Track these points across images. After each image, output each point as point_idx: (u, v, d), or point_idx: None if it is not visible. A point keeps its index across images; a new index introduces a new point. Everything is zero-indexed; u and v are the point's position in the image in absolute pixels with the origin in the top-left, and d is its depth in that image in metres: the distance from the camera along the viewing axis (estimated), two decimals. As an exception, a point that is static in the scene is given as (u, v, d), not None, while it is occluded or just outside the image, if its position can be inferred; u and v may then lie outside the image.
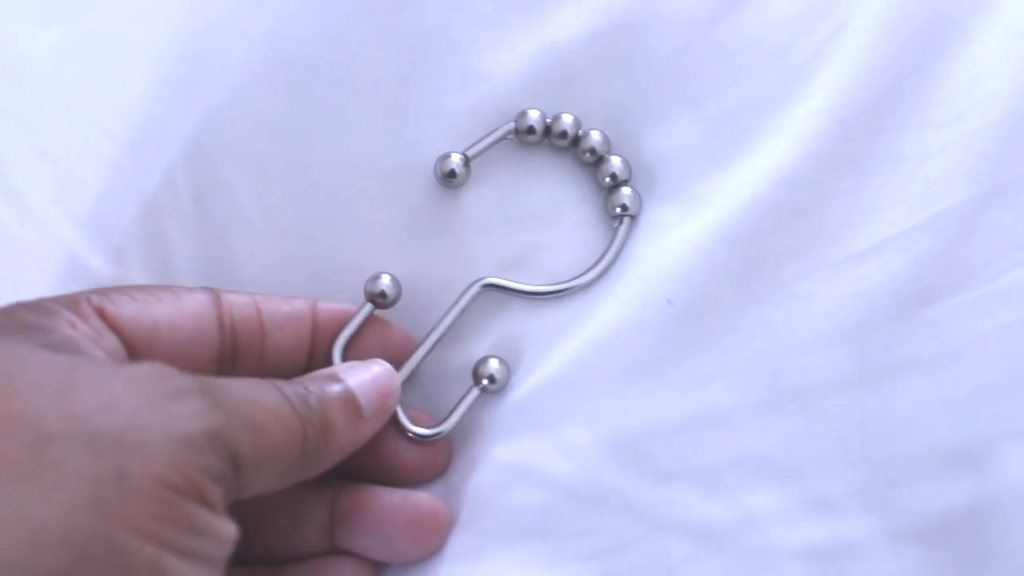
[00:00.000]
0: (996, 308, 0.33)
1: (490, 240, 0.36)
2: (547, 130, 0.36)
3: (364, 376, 0.31)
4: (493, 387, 0.34)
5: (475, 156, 0.36)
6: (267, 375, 0.29)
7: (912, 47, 0.35)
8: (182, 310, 0.31)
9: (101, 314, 0.29)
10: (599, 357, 0.34)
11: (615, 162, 0.36)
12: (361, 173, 0.36)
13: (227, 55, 0.36)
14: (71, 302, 0.29)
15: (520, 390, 0.34)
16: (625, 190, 0.36)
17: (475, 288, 0.35)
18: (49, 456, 0.24)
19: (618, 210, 0.35)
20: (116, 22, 0.37)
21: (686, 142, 0.36)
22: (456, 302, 0.35)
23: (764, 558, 0.32)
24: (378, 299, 0.34)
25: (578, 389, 0.34)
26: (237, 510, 0.27)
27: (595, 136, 0.36)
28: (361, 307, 0.34)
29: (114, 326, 0.30)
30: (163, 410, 0.25)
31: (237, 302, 0.32)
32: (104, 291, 0.30)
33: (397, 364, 0.33)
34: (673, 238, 0.34)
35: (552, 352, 0.34)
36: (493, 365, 0.34)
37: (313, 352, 0.34)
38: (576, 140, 0.36)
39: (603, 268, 0.35)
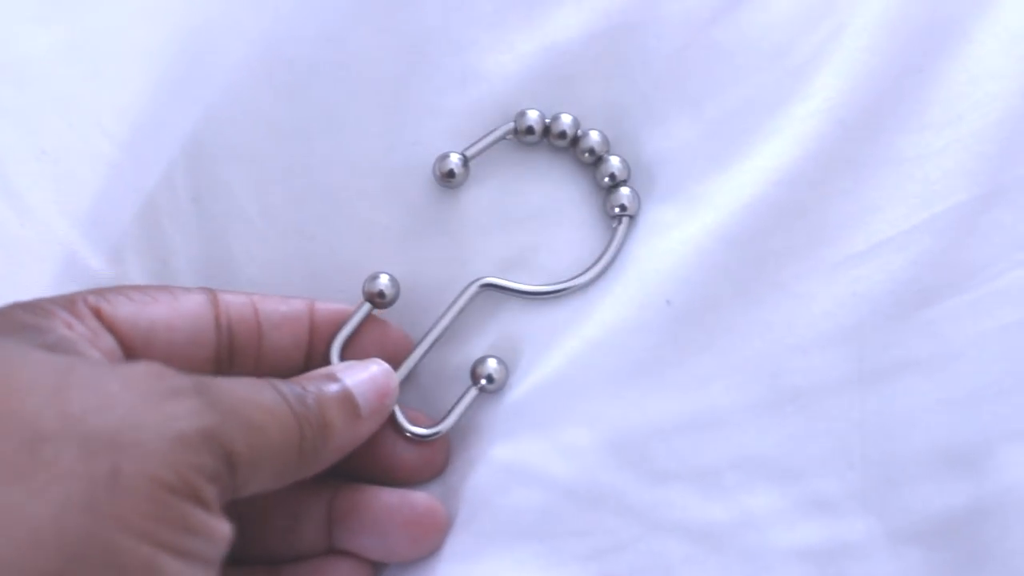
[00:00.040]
0: (996, 308, 0.33)
1: (489, 240, 0.36)
2: (546, 130, 0.36)
3: (362, 376, 0.31)
4: (491, 387, 0.34)
5: (474, 156, 0.36)
6: (264, 375, 0.29)
7: (912, 47, 0.35)
8: (179, 310, 0.31)
9: (97, 314, 0.29)
10: (598, 357, 0.34)
11: (614, 162, 0.36)
12: (360, 173, 0.36)
13: (226, 55, 0.36)
14: (67, 302, 0.29)
15: (518, 390, 0.34)
16: (624, 190, 0.36)
17: (473, 288, 0.35)
18: (44, 455, 0.24)
19: (617, 210, 0.35)
20: (115, 22, 0.37)
21: (685, 142, 0.36)
22: (454, 302, 0.35)
23: (763, 558, 0.32)
24: (376, 299, 0.34)
25: (577, 389, 0.34)
26: (234, 510, 0.27)
27: (594, 136, 0.36)
28: (359, 307, 0.34)
29: (110, 326, 0.30)
30: (158, 409, 0.25)
31: (234, 302, 0.32)
32: (101, 291, 0.30)
33: (395, 364, 0.33)
34: (672, 238, 0.34)
35: (551, 352, 0.34)
36: (491, 365, 0.34)
37: (311, 352, 0.33)
38: (575, 140, 0.36)
39: (602, 268, 0.35)
